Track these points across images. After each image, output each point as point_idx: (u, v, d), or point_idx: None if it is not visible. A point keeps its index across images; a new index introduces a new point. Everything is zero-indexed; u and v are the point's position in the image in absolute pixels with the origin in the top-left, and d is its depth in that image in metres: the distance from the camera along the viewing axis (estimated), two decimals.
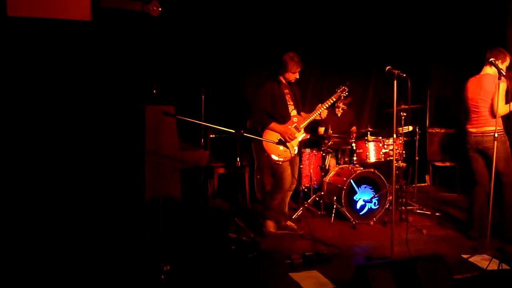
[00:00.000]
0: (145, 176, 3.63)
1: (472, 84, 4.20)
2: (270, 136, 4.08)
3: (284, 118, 4.14)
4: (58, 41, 4.24)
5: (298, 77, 4.16)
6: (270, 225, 4.29)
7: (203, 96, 4.85)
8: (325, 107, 4.25)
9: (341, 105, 5.68)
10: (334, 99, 4.33)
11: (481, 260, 3.59)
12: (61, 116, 4.38)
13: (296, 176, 4.39)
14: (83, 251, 3.52)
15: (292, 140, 4.13)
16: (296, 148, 4.21)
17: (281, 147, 4.09)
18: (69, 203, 4.00)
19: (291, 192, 4.45)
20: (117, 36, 4.87)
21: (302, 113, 4.30)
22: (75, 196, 4.08)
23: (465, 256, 3.69)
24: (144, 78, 4.96)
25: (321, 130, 5.79)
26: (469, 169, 4.28)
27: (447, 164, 6.34)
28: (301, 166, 5.01)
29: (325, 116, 4.34)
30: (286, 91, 4.22)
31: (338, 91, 4.37)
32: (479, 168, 4.17)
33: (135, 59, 5.01)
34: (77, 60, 4.61)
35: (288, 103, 4.18)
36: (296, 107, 4.25)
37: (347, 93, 4.39)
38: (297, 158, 4.43)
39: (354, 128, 5.88)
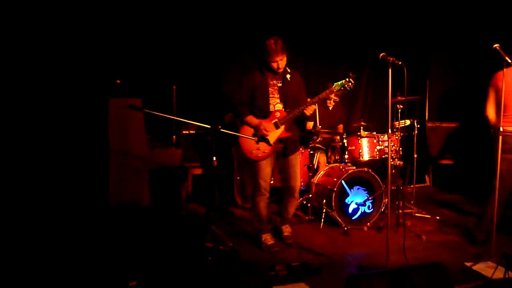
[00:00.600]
0: (108, 178, 3.58)
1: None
2: (247, 132, 4.02)
3: (262, 111, 4.07)
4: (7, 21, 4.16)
5: (281, 66, 4.01)
6: (267, 238, 4.20)
7: (175, 87, 4.78)
8: (314, 102, 4.06)
9: (333, 96, 5.63)
10: (331, 94, 4.14)
11: (486, 268, 3.62)
12: (11, 110, 4.28)
13: (293, 178, 4.21)
14: (35, 264, 3.43)
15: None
16: (270, 145, 4.04)
17: (259, 143, 4.00)
18: (20, 208, 3.91)
19: (293, 199, 4.31)
20: (75, 17, 4.78)
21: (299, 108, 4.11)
22: (28, 200, 3.99)
23: (468, 264, 3.73)
24: (107, 67, 4.88)
25: (310, 124, 5.77)
26: (491, 171, 4.10)
27: (449, 162, 6.42)
28: None
29: (311, 113, 4.12)
30: (273, 82, 4.09)
31: (336, 86, 4.05)
32: (509, 172, 4.04)
33: (97, 44, 4.92)
34: (28, 44, 4.51)
35: (272, 95, 4.08)
36: (283, 101, 4.11)
37: (351, 88, 4.04)
38: (293, 160, 4.23)
39: (341, 126, 5.87)
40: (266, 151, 4.06)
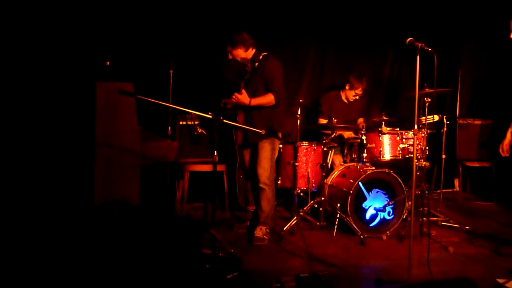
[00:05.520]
0: (94, 174, 3.61)
1: None
2: None
3: None
4: None
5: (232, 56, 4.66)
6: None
7: (171, 71, 4.82)
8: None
9: (359, 92, 5.68)
10: None
11: None
12: None
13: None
14: (11, 271, 3.49)
15: None
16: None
17: None
18: None
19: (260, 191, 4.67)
20: None
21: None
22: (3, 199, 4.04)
23: (500, 280, 3.75)
24: (94, 46, 4.91)
25: (322, 119, 5.81)
26: None
27: (482, 165, 6.42)
28: (296, 163, 5.03)
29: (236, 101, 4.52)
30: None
31: None
32: None
33: (82, 20, 4.95)
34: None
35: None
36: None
37: None
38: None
39: (361, 120, 5.91)
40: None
